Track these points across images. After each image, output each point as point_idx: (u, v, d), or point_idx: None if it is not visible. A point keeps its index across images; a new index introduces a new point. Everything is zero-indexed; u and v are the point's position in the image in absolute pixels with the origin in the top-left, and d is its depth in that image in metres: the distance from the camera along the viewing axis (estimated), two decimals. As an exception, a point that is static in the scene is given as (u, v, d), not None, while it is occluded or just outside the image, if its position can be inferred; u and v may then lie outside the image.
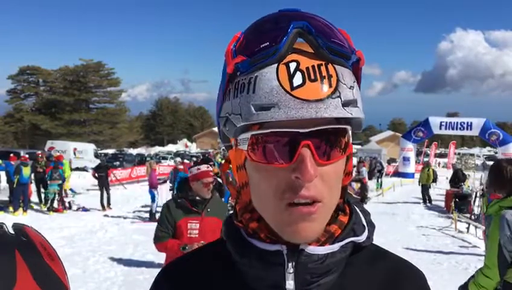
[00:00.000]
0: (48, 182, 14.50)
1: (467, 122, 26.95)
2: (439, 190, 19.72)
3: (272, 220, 0.69)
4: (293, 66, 0.64)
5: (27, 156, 16.31)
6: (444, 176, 24.13)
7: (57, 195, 14.61)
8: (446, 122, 27.64)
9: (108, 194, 15.39)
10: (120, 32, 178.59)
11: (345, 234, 0.73)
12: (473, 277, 3.23)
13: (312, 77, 0.63)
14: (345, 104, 0.64)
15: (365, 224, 0.78)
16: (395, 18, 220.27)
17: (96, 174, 15.72)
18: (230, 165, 0.81)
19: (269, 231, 0.71)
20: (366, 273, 0.77)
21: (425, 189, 18.63)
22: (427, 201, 18.32)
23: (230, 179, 0.85)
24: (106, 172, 15.84)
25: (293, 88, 0.62)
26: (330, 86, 0.63)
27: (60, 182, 14.85)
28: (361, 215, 0.79)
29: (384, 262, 0.80)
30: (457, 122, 27.48)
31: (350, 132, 0.69)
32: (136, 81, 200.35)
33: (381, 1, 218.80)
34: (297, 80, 0.63)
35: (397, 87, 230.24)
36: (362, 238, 0.76)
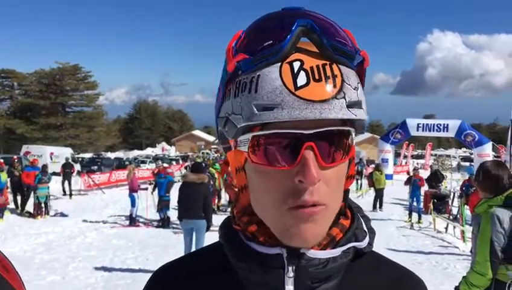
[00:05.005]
0: (38, 185, 14.33)
1: (443, 124, 27.30)
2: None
3: (272, 223, 0.67)
4: (296, 65, 0.62)
5: (2, 161, 15.94)
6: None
7: (47, 198, 14.60)
8: (423, 124, 27.92)
9: (70, 185, 19.51)
10: (98, 35, 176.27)
11: (347, 239, 0.71)
12: (464, 277, 3.28)
13: (316, 76, 0.61)
14: (350, 105, 0.62)
15: (366, 230, 0.77)
16: (373, 20, 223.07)
17: (64, 171, 19.88)
18: (229, 168, 0.77)
19: (268, 234, 0.69)
20: (367, 280, 0.75)
21: (380, 194, 16.46)
22: (379, 208, 16.30)
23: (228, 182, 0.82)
24: (70, 169, 20.25)
25: (297, 88, 0.60)
26: (335, 86, 0.61)
27: (49, 185, 15.04)
28: (362, 220, 0.78)
29: (386, 270, 0.79)
30: (433, 124, 27.79)
31: (353, 134, 0.67)
32: (114, 84, 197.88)
33: (358, 2, 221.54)
34: (301, 79, 0.61)
35: (377, 89, 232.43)
36: (364, 244, 0.74)
